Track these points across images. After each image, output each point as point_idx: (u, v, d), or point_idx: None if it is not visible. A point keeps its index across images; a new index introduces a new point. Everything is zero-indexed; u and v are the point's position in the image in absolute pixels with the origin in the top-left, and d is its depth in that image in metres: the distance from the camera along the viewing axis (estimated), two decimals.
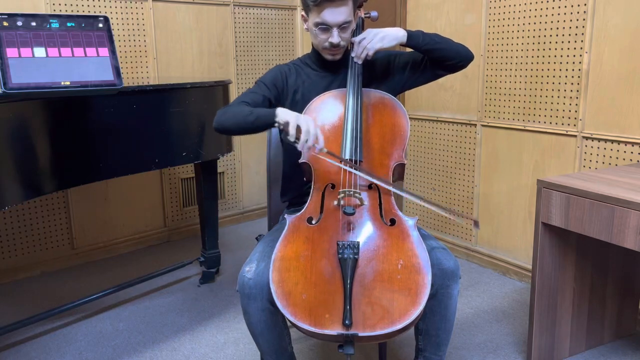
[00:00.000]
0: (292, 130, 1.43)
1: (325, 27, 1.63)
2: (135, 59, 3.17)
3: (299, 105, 1.72)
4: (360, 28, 1.79)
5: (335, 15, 1.60)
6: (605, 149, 2.32)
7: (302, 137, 1.43)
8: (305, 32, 3.84)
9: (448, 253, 1.56)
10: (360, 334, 1.29)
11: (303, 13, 1.69)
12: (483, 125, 2.84)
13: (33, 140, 1.91)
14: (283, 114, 1.48)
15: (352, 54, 1.69)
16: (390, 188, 1.58)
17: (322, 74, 1.77)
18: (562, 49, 2.44)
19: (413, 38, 1.67)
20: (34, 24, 1.93)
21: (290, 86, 1.77)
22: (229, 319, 2.46)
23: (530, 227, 2.68)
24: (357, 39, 1.68)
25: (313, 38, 1.70)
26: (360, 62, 1.68)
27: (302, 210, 1.55)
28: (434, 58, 1.71)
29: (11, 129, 1.83)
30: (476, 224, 1.56)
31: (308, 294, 1.35)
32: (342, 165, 1.55)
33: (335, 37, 1.64)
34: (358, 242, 1.42)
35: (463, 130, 2.94)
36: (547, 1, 2.47)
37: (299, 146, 1.45)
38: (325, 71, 1.77)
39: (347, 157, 1.58)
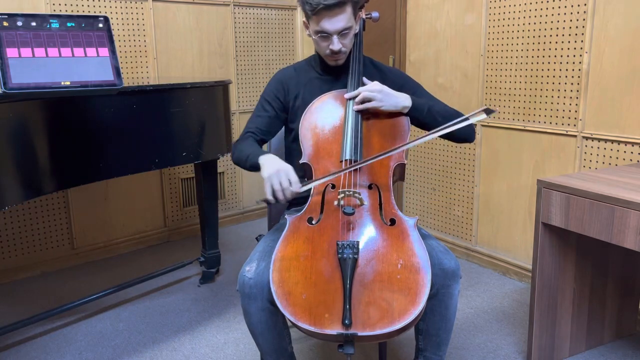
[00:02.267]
0: (268, 197, 1.48)
1: (325, 35, 1.63)
2: (135, 59, 3.17)
3: (300, 110, 1.73)
4: (361, 29, 1.78)
5: (333, 23, 1.60)
6: (605, 149, 2.32)
7: (278, 196, 1.47)
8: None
9: (449, 253, 1.56)
10: (360, 334, 1.29)
11: (304, 20, 1.69)
12: (483, 125, 2.84)
13: (33, 140, 1.91)
14: (262, 170, 1.53)
15: (355, 107, 1.65)
16: (396, 151, 1.55)
17: (324, 78, 1.78)
18: (562, 49, 2.44)
19: (416, 110, 1.65)
20: (34, 24, 1.93)
21: (291, 92, 1.77)
22: (229, 319, 2.46)
23: (530, 227, 2.68)
24: (363, 89, 1.63)
25: (315, 45, 1.71)
26: (356, 108, 1.65)
27: (303, 211, 1.55)
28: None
29: (11, 129, 1.83)
30: (488, 111, 1.44)
31: (308, 294, 1.35)
32: (340, 173, 1.55)
33: (335, 45, 1.64)
34: (358, 242, 1.42)
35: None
36: (547, 1, 2.47)
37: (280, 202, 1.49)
38: (328, 75, 1.78)
39: (347, 157, 1.58)
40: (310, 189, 1.59)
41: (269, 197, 1.48)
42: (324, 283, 1.37)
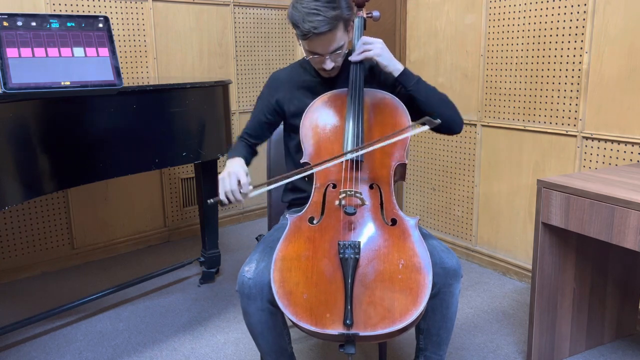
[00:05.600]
0: (221, 197, 1.52)
1: (317, 56, 1.63)
2: (135, 59, 3.17)
3: (297, 111, 1.74)
4: (361, 28, 1.78)
5: (325, 46, 1.59)
6: (605, 149, 2.32)
7: (229, 197, 1.50)
8: None
9: (450, 252, 1.56)
10: (361, 334, 1.29)
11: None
12: (483, 125, 2.84)
13: (33, 140, 1.91)
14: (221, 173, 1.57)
15: (353, 57, 1.66)
16: (394, 139, 1.54)
17: (318, 80, 1.77)
18: (562, 49, 2.44)
19: (406, 75, 1.65)
20: (34, 24, 1.93)
21: (286, 96, 1.78)
22: (229, 319, 2.46)
23: (530, 227, 2.68)
24: (364, 39, 1.65)
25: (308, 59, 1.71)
26: (355, 59, 1.66)
27: (304, 210, 1.55)
28: (418, 106, 1.68)
29: (11, 129, 1.83)
30: (430, 122, 1.45)
31: (309, 294, 1.35)
32: (336, 161, 1.54)
33: (328, 64, 1.64)
34: (359, 242, 1.42)
35: (463, 130, 2.94)
36: (547, 1, 2.47)
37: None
38: (321, 77, 1.77)
39: (349, 157, 1.58)
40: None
41: (222, 197, 1.51)
42: (325, 283, 1.37)
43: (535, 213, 1.89)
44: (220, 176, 1.54)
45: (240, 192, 1.50)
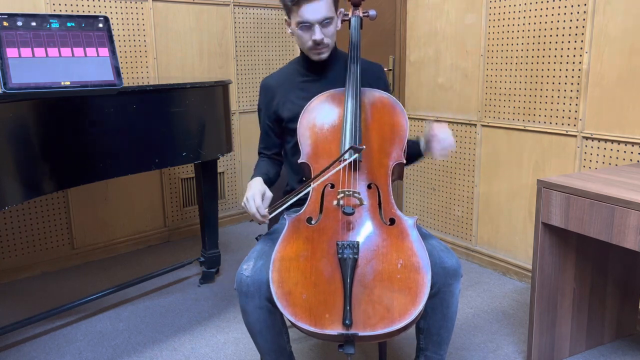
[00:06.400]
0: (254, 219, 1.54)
1: (307, 25, 1.64)
2: (135, 59, 3.17)
3: (291, 115, 1.74)
4: (358, 27, 1.78)
5: (314, 12, 1.61)
6: (605, 149, 2.32)
7: (254, 220, 1.53)
8: None
9: (449, 251, 1.56)
10: (361, 334, 1.29)
11: (286, 17, 1.70)
12: (483, 125, 2.84)
13: (33, 140, 1.91)
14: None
15: (436, 154, 1.68)
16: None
17: (310, 78, 1.78)
18: (562, 49, 2.44)
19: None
20: (34, 24, 1.93)
21: (280, 97, 1.79)
22: (229, 319, 2.46)
23: (530, 227, 2.68)
24: (443, 135, 1.65)
25: (298, 40, 1.72)
26: (440, 157, 1.70)
27: (302, 211, 1.55)
28: (411, 157, 1.74)
29: (11, 129, 1.83)
30: (355, 150, 1.47)
31: (308, 294, 1.35)
32: (332, 172, 1.54)
33: (317, 34, 1.65)
34: (358, 242, 1.42)
35: (463, 130, 2.94)
36: (547, 1, 2.47)
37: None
38: (314, 74, 1.78)
39: (347, 156, 1.57)
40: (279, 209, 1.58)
41: (254, 219, 1.54)
42: (324, 283, 1.37)
43: (535, 213, 1.89)
44: (242, 202, 1.56)
45: (260, 215, 1.50)
